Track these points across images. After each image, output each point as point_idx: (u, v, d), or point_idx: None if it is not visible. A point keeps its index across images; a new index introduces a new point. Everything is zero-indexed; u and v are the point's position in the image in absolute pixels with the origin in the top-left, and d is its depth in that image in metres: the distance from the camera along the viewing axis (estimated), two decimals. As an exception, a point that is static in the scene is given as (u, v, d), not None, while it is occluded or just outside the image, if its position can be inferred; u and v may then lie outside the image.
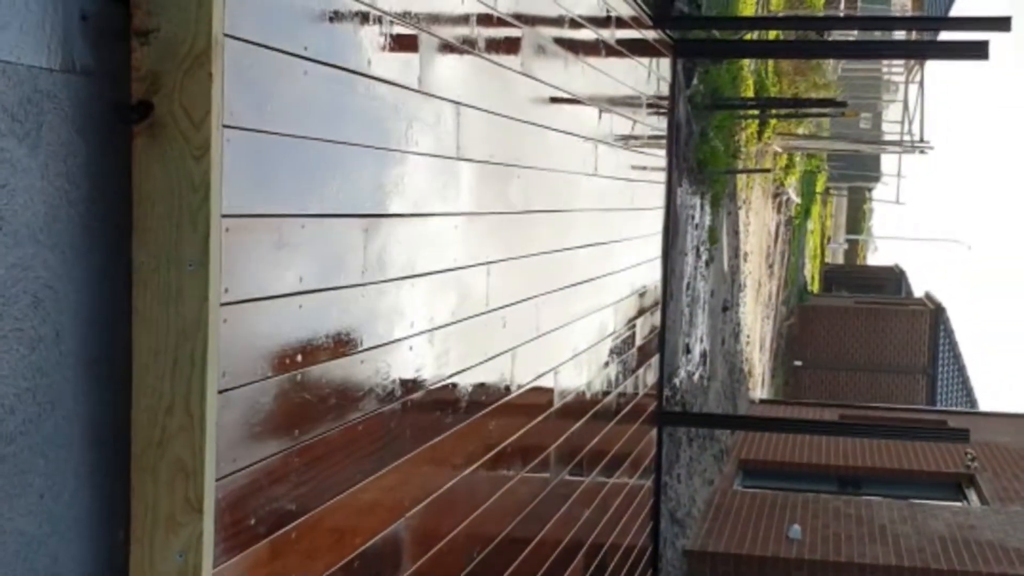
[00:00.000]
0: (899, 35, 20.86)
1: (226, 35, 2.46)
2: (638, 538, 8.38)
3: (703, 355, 12.55)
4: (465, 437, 4.13)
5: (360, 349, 3.20)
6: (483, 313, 4.29)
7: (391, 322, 3.44)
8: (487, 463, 4.39)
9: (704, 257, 12.00)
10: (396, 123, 3.43)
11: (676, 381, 10.92)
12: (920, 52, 13.12)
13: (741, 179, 14.91)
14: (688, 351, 11.45)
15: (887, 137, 30.55)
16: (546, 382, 5.27)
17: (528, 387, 4.92)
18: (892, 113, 32.86)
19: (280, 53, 2.70)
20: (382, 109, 3.33)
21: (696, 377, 12.10)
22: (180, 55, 2.42)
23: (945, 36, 9.94)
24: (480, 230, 4.25)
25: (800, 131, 20.18)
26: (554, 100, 5.30)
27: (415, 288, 3.62)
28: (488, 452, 4.41)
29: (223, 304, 2.50)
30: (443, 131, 3.79)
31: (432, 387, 3.83)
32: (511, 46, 4.51)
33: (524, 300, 4.85)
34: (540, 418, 5.19)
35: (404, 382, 3.56)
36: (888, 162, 43.56)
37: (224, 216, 2.49)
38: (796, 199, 24.10)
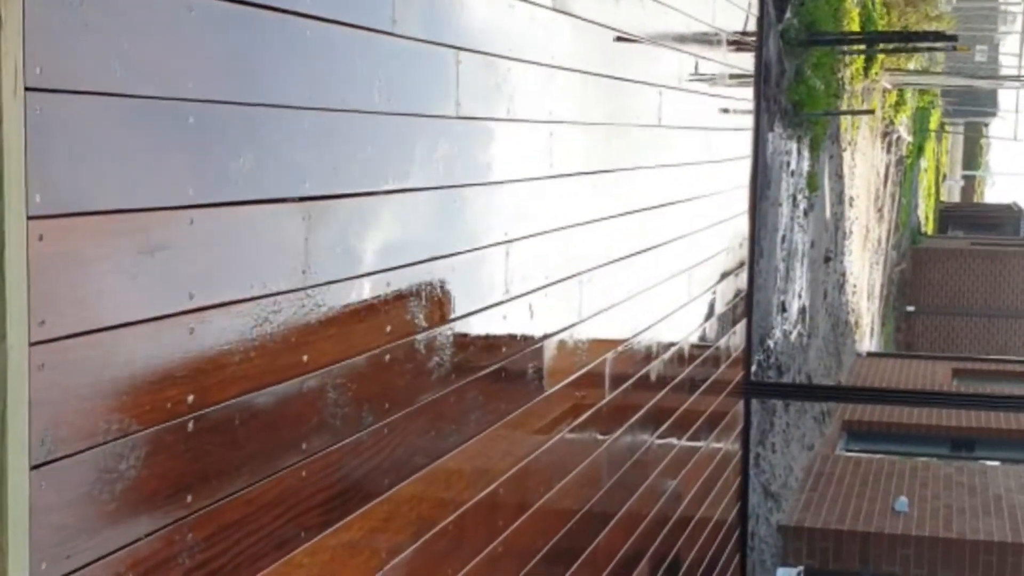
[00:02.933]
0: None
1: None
2: (727, 515, 7.65)
3: (802, 311, 11.65)
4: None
5: (293, 375, 2.44)
6: (543, 287, 3.63)
7: (399, 317, 2.68)
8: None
9: (802, 206, 11.08)
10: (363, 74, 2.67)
11: (770, 343, 10.06)
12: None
13: (845, 120, 13.90)
14: (784, 309, 10.57)
15: (1004, 71, 29.08)
16: (618, 355, 4.87)
17: (601, 359, 4.59)
18: (1009, 45, 31.33)
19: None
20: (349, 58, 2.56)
21: (794, 336, 11.21)
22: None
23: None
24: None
25: (911, 66, 19.00)
26: (620, 41, 4.55)
27: (390, 283, 2.85)
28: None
29: (34, 344, 1.75)
30: (446, 82, 3.06)
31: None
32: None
33: (581, 272, 4.16)
34: (620, 390, 4.89)
35: (456, 365, 2.92)
36: (1005, 96, 41.84)
37: (33, 218, 1.73)
38: (908, 137, 22.90)
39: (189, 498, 2.11)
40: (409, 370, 2.97)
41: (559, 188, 4.04)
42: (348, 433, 2.67)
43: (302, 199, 2.45)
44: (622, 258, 4.84)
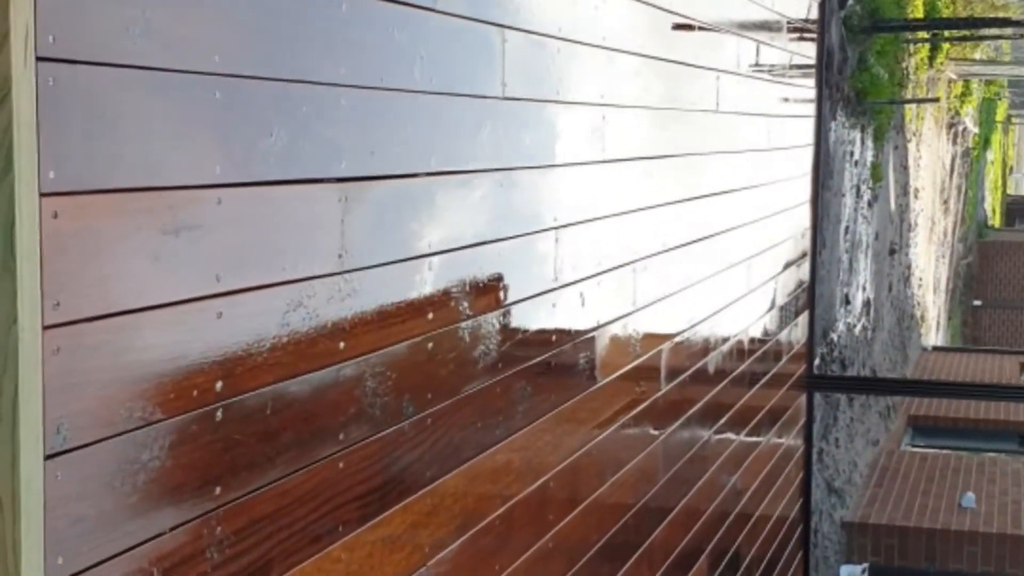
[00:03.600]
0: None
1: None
2: (789, 511, 7.50)
3: (866, 304, 11.45)
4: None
5: (329, 362, 2.35)
6: (595, 275, 3.53)
7: (444, 297, 2.59)
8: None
9: (866, 197, 10.88)
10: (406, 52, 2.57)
11: (833, 336, 9.88)
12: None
13: (910, 110, 13.67)
14: (848, 302, 10.39)
15: (1074, 60, 28.54)
16: (675, 346, 4.76)
17: (657, 350, 4.49)
18: (1080, 35, 30.72)
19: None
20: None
21: (858, 329, 11.02)
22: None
23: None
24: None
25: (977, 56, 18.67)
26: (678, 24, 4.45)
27: (434, 267, 2.76)
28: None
29: (48, 327, 1.66)
30: (491, 61, 2.96)
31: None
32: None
33: (635, 260, 4.07)
34: (676, 382, 4.79)
35: (505, 353, 2.80)
36: (1075, 87, 41.09)
37: (47, 195, 1.65)
38: (974, 128, 22.54)
39: (218, 490, 2.02)
40: (453, 359, 2.88)
41: (611, 173, 3.93)
42: (388, 424, 2.58)
43: (339, 180, 2.36)
44: (679, 246, 4.73)
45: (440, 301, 2.80)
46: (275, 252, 2.16)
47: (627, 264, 4.13)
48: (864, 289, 11.30)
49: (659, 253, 4.45)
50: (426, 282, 2.74)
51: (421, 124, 2.68)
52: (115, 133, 1.77)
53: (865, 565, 10.03)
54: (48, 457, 1.67)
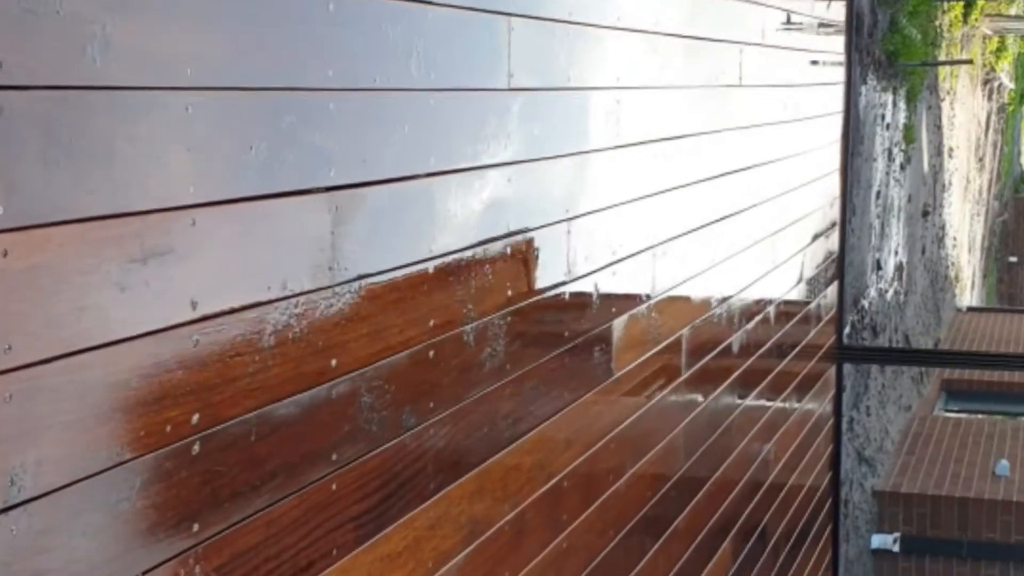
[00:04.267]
0: None
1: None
2: (818, 483, 7.39)
3: (898, 269, 11.27)
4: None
5: (320, 381, 2.24)
6: (610, 264, 3.45)
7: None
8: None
9: (898, 160, 10.69)
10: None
11: (864, 303, 9.72)
12: None
13: (944, 68, 13.42)
14: (879, 267, 10.22)
15: (1112, 12, 28.05)
16: (702, 323, 4.67)
17: (683, 330, 4.42)
18: (1118, -15, 30.24)
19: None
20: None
21: (890, 294, 10.85)
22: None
23: None
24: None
25: (1012, 11, 18.33)
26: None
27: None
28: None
29: (1, 372, 1.56)
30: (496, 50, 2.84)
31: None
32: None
33: (655, 245, 3.96)
34: (706, 358, 4.74)
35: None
36: (1114, 38, 40.47)
37: (-5, 231, 1.54)
38: (1010, 84, 22.18)
39: (196, 527, 1.91)
40: (457, 365, 2.76)
41: (628, 158, 3.80)
42: (387, 438, 2.47)
43: (328, 189, 2.24)
44: (702, 226, 4.59)
45: (442, 305, 2.69)
46: (258, 271, 2.04)
47: (645, 250, 4.00)
48: (896, 253, 11.12)
49: (679, 236, 4.33)
50: (427, 287, 2.62)
51: (419, 123, 2.56)
52: (75, 159, 1.65)
53: (896, 535, 9.91)
54: (2, 511, 1.57)
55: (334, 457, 2.28)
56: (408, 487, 2.57)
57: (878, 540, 9.95)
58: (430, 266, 2.63)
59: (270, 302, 2.07)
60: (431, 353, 2.64)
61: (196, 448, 1.90)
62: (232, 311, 1.97)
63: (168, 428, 1.84)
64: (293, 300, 2.13)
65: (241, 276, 1.99)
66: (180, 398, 1.86)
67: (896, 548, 9.94)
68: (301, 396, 2.17)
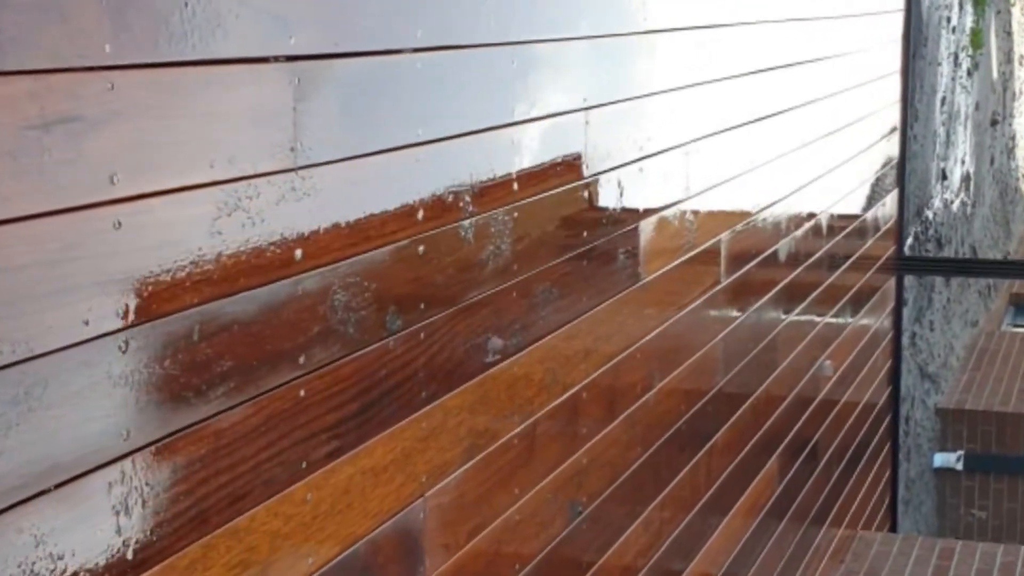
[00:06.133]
0: None
1: None
2: (876, 399, 7.11)
3: (965, 179, 10.87)
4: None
5: (281, 275, 2.00)
6: (633, 162, 3.20)
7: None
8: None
9: (965, 65, 10.26)
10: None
11: (928, 213, 9.36)
12: None
13: (1015, -29, 12.88)
14: (944, 177, 9.84)
15: None
16: (743, 229, 4.40)
17: (716, 239, 4.13)
18: None
19: None
20: None
21: (956, 205, 10.47)
22: None
23: None
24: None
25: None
26: None
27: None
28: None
29: None
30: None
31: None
32: None
33: (685, 143, 3.71)
34: (749, 265, 4.50)
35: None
36: None
37: None
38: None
39: (125, 433, 1.69)
40: (452, 263, 2.52)
41: (659, 44, 3.51)
42: (367, 341, 2.24)
43: (290, 58, 1.99)
44: (739, 125, 4.30)
45: (435, 198, 2.44)
46: (199, 148, 1.80)
47: (677, 147, 3.73)
48: (963, 163, 10.72)
49: (716, 133, 4.04)
50: (415, 176, 2.37)
51: (403, -9, 2.29)
52: (-50, 6, 1.41)
53: (960, 453, 9.62)
54: None
55: (301, 360, 2.05)
56: (394, 395, 2.33)
57: (941, 458, 9.66)
58: (419, 153, 2.38)
59: (215, 183, 1.83)
60: (420, 248, 2.40)
61: (124, 345, 1.67)
62: (164, 192, 1.73)
63: (87, 322, 1.61)
64: (244, 182, 1.89)
65: (177, 152, 1.75)
66: (100, 289, 1.63)
67: (959, 466, 9.65)
68: (257, 291, 1.93)
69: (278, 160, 1.96)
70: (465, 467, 2.62)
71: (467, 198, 2.56)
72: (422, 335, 2.42)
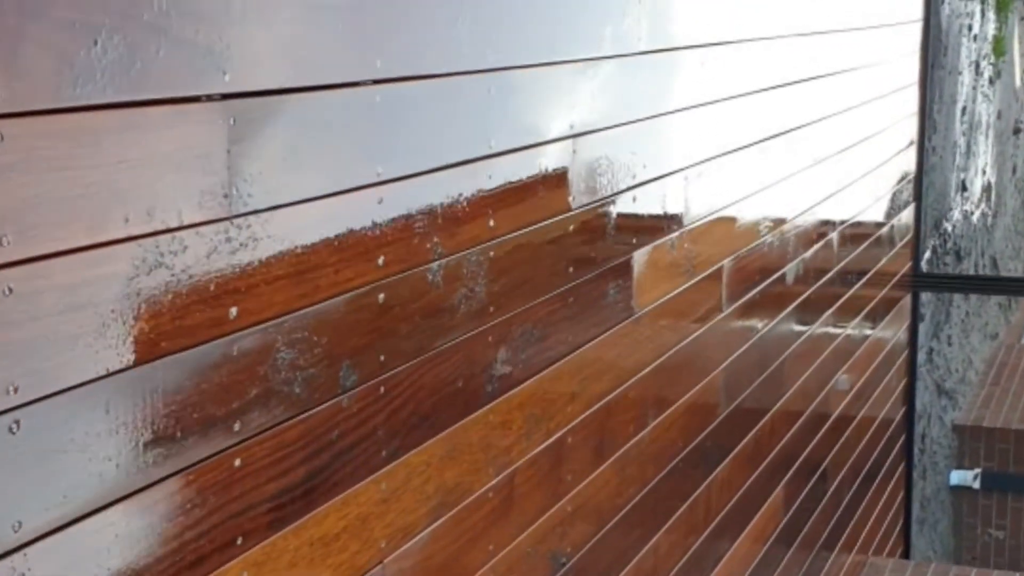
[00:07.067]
0: None
1: None
2: (891, 418, 6.90)
3: (986, 189, 10.64)
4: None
5: (212, 336, 1.81)
6: (627, 190, 2.99)
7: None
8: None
9: (987, 73, 10.02)
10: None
11: (947, 225, 9.13)
12: None
13: (1040, -24, 12.62)
14: (964, 188, 9.61)
15: None
16: (737, 262, 4.16)
17: (718, 266, 3.98)
18: None
19: None
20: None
21: (976, 216, 10.24)
22: None
23: None
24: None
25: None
26: None
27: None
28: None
29: None
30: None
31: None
32: None
33: (683, 168, 3.54)
34: (761, 286, 4.37)
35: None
36: None
37: None
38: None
39: (16, 525, 1.50)
40: (418, 310, 2.33)
41: (655, 63, 3.32)
42: (316, 401, 2.05)
43: (225, 96, 1.80)
44: (749, 144, 4.11)
45: (397, 241, 2.25)
46: (110, 200, 1.61)
47: (675, 172, 3.53)
48: (984, 173, 10.48)
49: (718, 156, 3.84)
50: (375, 219, 2.18)
51: (361, 14, 2.10)
52: None
53: (977, 471, 9.38)
54: None
55: (236, 427, 1.86)
56: (348, 456, 2.15)
57: (957, 476, 9.43)
58: (380, 193, 2.19)
59: (130, 238, 1.64)
60: (381, 297, 2.20)
61: (12, 427, 1.48)
62: (65, 252, 1.54)
63: (-33, 404, 1.43)
64: (168, 235, 1.70)
65: (83, 207, 1.56)
66: (-15, 365, 1.45)
67: (976, 485, 9.41)
68: (181, 356, 1.74)
69: (208, 209, 1.77)
70: (432, 527, 2.43)
71: (436, 239, 2.36)
72: (382, 389, 2.23)
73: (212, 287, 1.79)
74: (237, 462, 1.87)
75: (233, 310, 1.84)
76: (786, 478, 4.88)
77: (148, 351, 1.68)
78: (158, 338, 1.70)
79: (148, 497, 1.70)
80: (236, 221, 1.83)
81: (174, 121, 1.71)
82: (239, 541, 1.89)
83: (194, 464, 1.79)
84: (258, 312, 1.89)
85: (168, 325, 1.71)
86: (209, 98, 1.77)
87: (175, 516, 1.75)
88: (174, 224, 1.71)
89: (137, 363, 1.67)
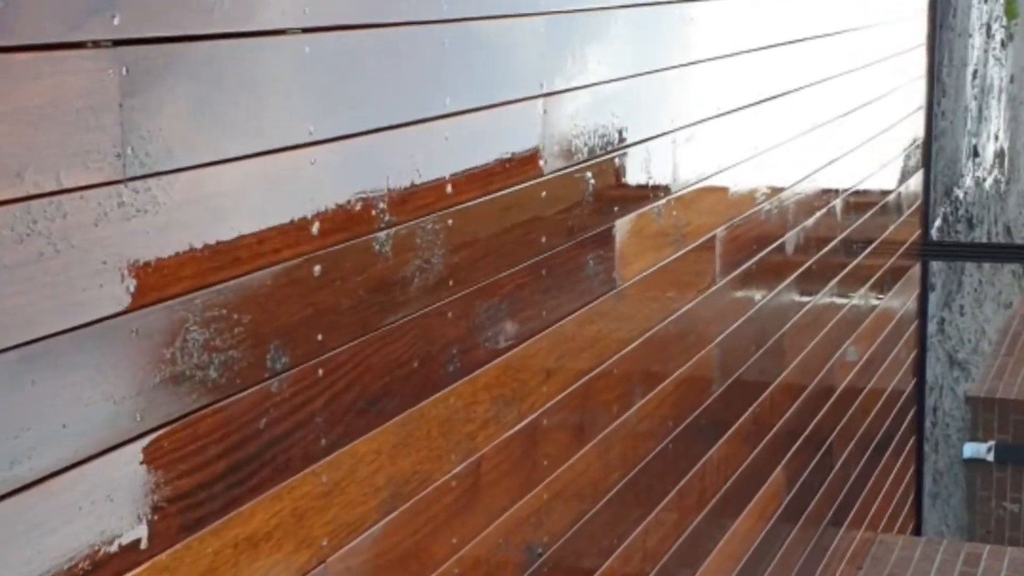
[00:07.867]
0: None
1: None
2: (900, 390, 6.68)
3: (998, 155, 10.38)
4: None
5: (102, 315, 1.59)
6: (605, 155, 2.75)
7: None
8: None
9: (999, 36, 9.75)
10: None
11: (958, 192, 8.89)
12: None
13: (1054, -64, 12.33)
14: (976, 154, 9.35)
15: None
16: (731, 230, 3.93)
17: (711, 235, 3.75)
18: None
19: None
20: None
21: (988, 183, 9.98)
22: None
23: None
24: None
25: None
26: None
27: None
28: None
29: None
30: None
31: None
32: None
33: (677, 129, 3.30)
34: (764, 252, 4.18)
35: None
36: None
37: None
38: None
39: None
40: (362, 283, 2.11)
41: (635, 18, 3.09)
42: (238, 387, 1.83)
43: (116, 43, 1.58)
44: (742, 107, 3.88)
45: (336, 207, 2.03)
46: (-31, 160, 1.39)
47: (662, 135, 3.30)
48: (996, 138, 10.22)
49: (711, 118, 3.61)
50: (308, 183, 1.96)
51: (284, -43, 1.88)
52: None
53: (991, 443, 9.15)
54: None
55: (137, 418, 1.65)
56: (279, 447, 1.93)
57: (971, 449, 9.21)
58: (313, 154, 1.97)
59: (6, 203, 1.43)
60: (316, 269, 1.99)
61: None
62: (-90, 220, 1.33)
63: None
64: (44, 200, 1.49)
65: (-68, 168, 1.35)
66: None
67: (990, 457, 9.19)
68: (62, 338, 1.53)
69: (96, 171, 1.56)
70: (384, 521, 2.22)
71: (382, 205, 2.14)
72: (320, 372, 2.02)
73: (102, 259, 1.58)
74: (139, 456, 1.66)
75: (129, 284, 1.62)
76: (789, 454, 4.67)
77: (23, 333, 1.47)
78: (35, 320, 1.49)
79: (29, 498, 1.49)
80: (132, 184, 1.61)
81: (49, 71, 1.49)
82: (143, 545, 1.68)
83: (86, 459, 1.57)
84: (160, 288, 1.67)
85: (46, 305, 1.50)
86: (96, 44, 1.55)
87: (64, 520, 1.54)
88: (51, 188, 1.49)
89: (19, 343, 1.46)
